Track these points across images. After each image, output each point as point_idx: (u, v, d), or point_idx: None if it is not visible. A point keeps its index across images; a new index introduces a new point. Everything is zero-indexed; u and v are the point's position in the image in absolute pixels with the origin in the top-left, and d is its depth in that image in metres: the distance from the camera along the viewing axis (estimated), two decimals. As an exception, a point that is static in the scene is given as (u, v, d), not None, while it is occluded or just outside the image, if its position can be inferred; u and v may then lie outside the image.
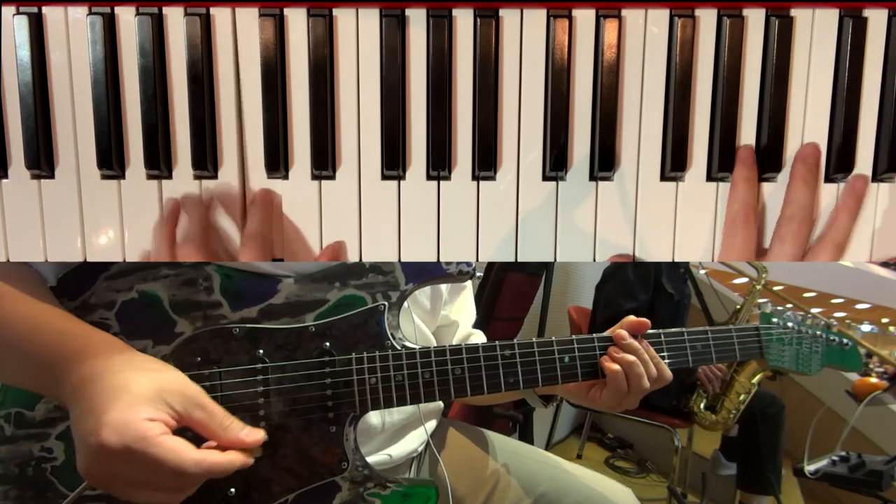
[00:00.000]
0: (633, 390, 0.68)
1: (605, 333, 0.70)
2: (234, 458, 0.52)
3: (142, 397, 0.49)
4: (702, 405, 2.06)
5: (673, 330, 0.72)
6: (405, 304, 0.69)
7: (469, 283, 0.94)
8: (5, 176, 0.65)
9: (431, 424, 0.86)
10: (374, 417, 0.72)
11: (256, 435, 0.55)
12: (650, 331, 0.71)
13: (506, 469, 0.84)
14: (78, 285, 0.62)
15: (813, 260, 0.63)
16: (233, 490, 0.59)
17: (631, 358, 0.67)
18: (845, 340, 0.86)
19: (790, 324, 0.82)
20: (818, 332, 0.84)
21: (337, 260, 0.66)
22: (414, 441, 0.80)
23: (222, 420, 0.53)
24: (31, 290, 0.60)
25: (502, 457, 0.87)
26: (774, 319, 0.81)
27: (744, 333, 0.78)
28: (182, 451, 0.48)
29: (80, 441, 0.49)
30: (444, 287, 0.84)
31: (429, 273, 0.67)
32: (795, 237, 0.62)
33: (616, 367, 0.67)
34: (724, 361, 0.78)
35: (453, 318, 0.90)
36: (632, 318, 0.71)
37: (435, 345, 0.70)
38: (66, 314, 0.58)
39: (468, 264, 0.68)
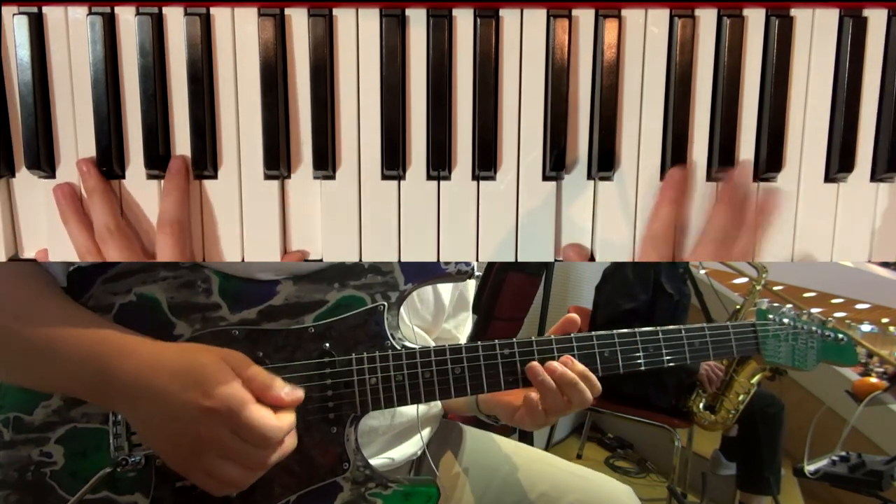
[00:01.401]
0: (550, 409, 0.66)
1: (602, 332, 0.70)
2: (291, 419, 0.56)
3: (227, 367, 0.54)
4: (700, 405, 2.06)
5: (671, 327, 0.72)
6: (406, 318, 0.69)
7: (470, 301, 0.93)
8: (12, 175, 0.65)
9: (432, 427, 0.86)
10: (376, 420, 0.72)
11: (296, 393, 0.57)
12: (648, 328, 0.71)
13: (465, 473, 0.84)
14: (76, 288, 0.62)
15: (695, 259, 0.62)
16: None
17: (549, 382, 0.65)
18: (840, 336, 0.87)
19: (786, 320, 0.83)
20: (814, 328, 0.85)
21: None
22: (415, 444, 0.80)
23: (265, 379, 0.56)
24: (48, 291, 0.60)
25: (471, 459, 0.87)
26: (770, 316, 0.82)
27: (740, 330, 0.78)
28: (268, 416, 0.53)
29: (173, 414, 0.52)
30: (447, 301, 0.84)
31: (428, 273, 0.67)
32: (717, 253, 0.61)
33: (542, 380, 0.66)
34: (721, 358, 0.79)
35: (456, 333, 0.90)
36: (566, 317, 0.70)
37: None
38: (90, 313, 0.59)
39: (467, 264, 0.67)
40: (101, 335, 0.57)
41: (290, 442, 0.56)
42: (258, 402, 0.54)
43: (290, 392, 0.57)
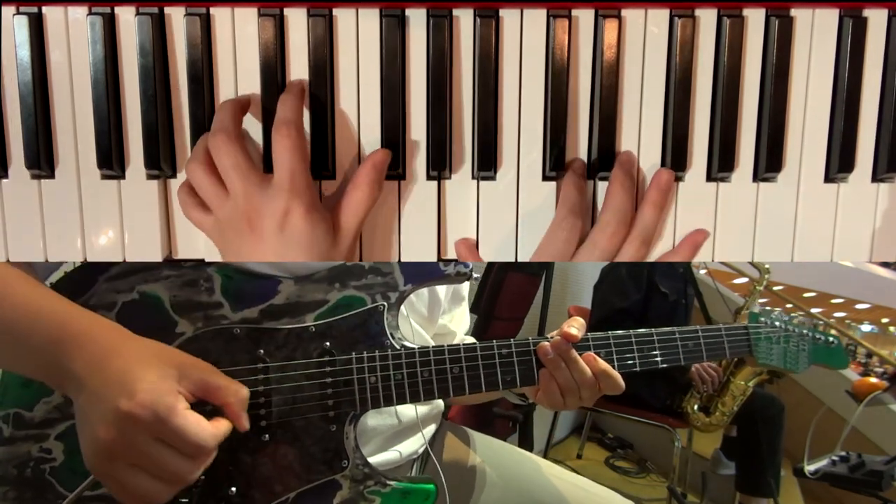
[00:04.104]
0: (565, 393, 0.67)
1: (598, 333, 0.70)
2: (226, 426, 0.54)
3: (170, 370, 0.51)
4: (695, 406, 2.06)
5: (664, 329, 0.73)
6: (404, 311, 0.69)
7: (466, 294, 0.94)
8: (5, 176, 0.65)
9: (432, 427, 0.87)
10: (376, 419, 0.72)
11: (242, 392, 0.55)
12: (642, 330, 0.71)
13: (486, 465, 0.85)
14: (78, 287, 0.62)
15: (622, 259, 0.62)
16: (233, 489, 0.59)
17: (558, 362, 0.66)
18: (831, 339, 0.89)
19: (777, 323, 0.84)
20: (804, 331, 0.87)
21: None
22: (416, 442, 0.80)
23: (236, 389, 0.55)
24: (16, 275, 0.59)
25: (486, 457, 0.87)
26: (762, 319, 0.84)
27: (733, 332, 0.79)
28: (203, 423, 0.51)
29: (96, 414, 0.49)
30: (442, 296, 0.84)
31: (427, 274, 0.68)
32: (610, 240, 0.61)
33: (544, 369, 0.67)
34: (714, 359, 0.80)
35: (452, 328, 0.90)
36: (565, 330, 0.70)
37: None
38: (63, 298, 0.58)
39: (466, 265, 0.68)
40: (64, 319, 0.54)
41: (209, 458, 0.53)
42: (228, 407, 0.54)
43: (238, 391, 0.55)
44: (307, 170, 0.59)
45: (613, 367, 0.69)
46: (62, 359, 0.52)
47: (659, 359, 0.72)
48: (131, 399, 0.48)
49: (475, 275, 0.70)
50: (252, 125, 0.64)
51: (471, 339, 0.95)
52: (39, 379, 0.56)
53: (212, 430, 0.51)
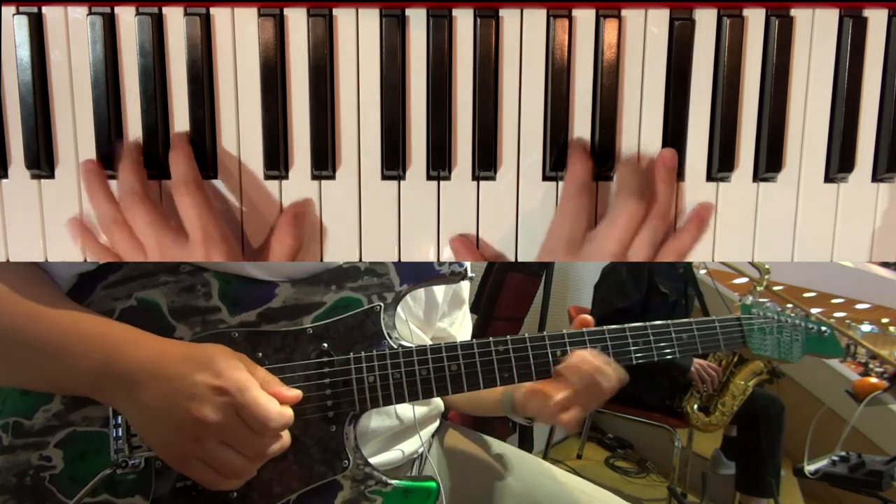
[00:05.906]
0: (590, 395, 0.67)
1: (593, 329, 0.70)
2: (290, 413, 0.57)
3: (235, 355, 0.56)
4: (695, 406, 2.06)
5: (658, 322, 0.73)
6: (401, 314, 0.69)
7: (466, 297, 0.94)
8: (5, 176, 0.65)
9: (432, 427, 0.87)
10: (375, 421, 0.72)
11: (295, 391, 0.59)
12: (636, 324, 0.71)
13: (502, 463, 0.85)
14: (76, 295, 0.62)
15: (642, 240, 0.60)
16: (234, 493, 0.59)
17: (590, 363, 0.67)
18: (823, 328, 0.90)
19: (770, 314, 0.85)
20: (797, 321, 0.87)
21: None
22: (416, 443, 0.80)
23: (264, 375, 0.58)
24: (52, 291, 0.60)
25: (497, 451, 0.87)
26: (754, 310, 0.84)
27: (726, 324, 0.79)
28: (272, 402, 0.55)
29: (178, 399, 0.52)
30: (440, 299, 0.84)
31: (422, 275, 0.68)
32: (632, 219, 0.60)
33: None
34: (709, 352, 0.80)
35: (452, 332, 0.90)
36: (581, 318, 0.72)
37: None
38: (88, 310, 0.60)
39: (460, 265, 0.68)
40: (108, 328, 0.58)
41: (287, 438, 0.57)
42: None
43: (290, 389, 0.59)
44: (216, 217, 0.60)
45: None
46: (111, 363, 0.55)
47: (654, 352, 0.72)
48: (217, 375, 0.53)
49: (471, 274, 0.70)
50: (252, 125, 0.64)
51: None
52: (80, 391, 0.57)
53: (280, 410, 0.55)
